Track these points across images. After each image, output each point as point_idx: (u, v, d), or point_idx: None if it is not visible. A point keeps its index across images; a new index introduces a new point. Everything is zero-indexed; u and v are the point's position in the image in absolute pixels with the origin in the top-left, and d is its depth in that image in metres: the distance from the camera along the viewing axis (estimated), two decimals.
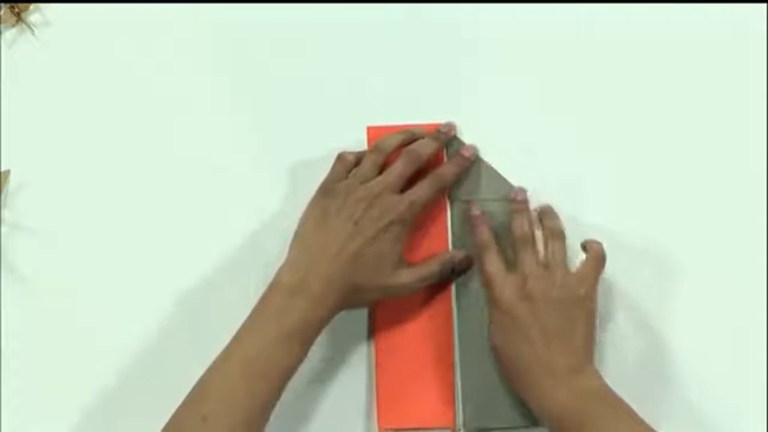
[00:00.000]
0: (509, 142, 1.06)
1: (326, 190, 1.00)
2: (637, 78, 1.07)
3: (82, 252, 1.06)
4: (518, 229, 1.01)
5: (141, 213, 1.07)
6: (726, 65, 1.07)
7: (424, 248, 1.04)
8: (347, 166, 1.01)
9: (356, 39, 1.09)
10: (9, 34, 1.10)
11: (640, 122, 1.06)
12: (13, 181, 1.07)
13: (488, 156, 1.06)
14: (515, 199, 1.03)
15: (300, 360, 0.96)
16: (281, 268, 0.98)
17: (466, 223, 1.04)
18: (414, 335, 1.04)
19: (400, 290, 1.00)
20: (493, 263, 1.00)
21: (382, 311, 1.04)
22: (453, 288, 1.04)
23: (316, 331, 0.97)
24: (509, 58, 1.08)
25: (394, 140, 1.03)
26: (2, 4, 1.09)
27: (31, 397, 1.04)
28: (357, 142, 1.06)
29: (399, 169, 1.00)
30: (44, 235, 1.07)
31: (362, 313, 1.05)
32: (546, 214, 1.03)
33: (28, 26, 1.09)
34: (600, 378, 0.96)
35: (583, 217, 1.04)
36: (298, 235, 0.99)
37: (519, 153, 1.06)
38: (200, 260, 1.06)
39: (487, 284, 1.00)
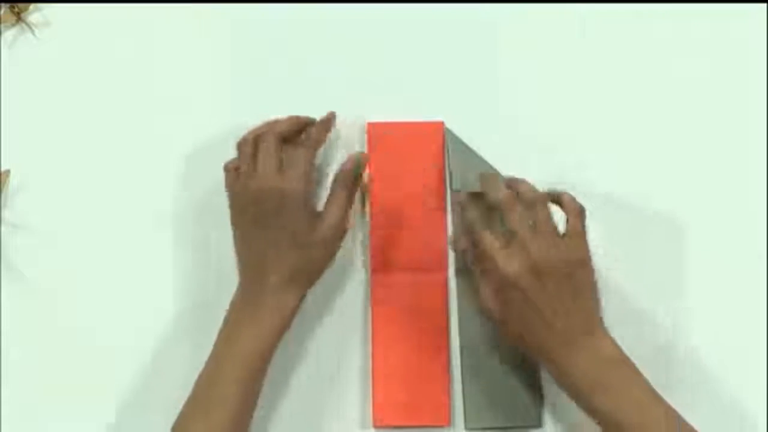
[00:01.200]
0: (509, 141, 1.06)
1: (230, 203, 1.01)
2: (637, 78, 1.07)
3: (82, 252, 1.06)
4: (495, 193, 0.99)
5: (141, 213, 1.07)
6: (726, 65, 1.07)
7: (422, 247, 1.05)
8: (234, 170, 1.01)
9: (356, 38, 1.09)
10: (9, 34, 1.10)
11: (640, 121, 1.06)
12: (13, 181, 1.07)
13: (487, 154, 1.06)
14: (483, 175, 1.02)
15: (265, 374, 0.98)
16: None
17: (456, 212, 1.04)
18: (410, 333, 1.04)
19: (334, 240, 1.00)
20: (490, 240, 0.98)
21: (379, 309, 1.04)
22: (453, 286, 1.05)
23: (283, 333, 0.98)
24: (508, 57, 1.08)
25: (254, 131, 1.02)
26: (2, 4, 1.09)
27: (31, 397, 1.04)
28: (358, 139, 1.06)
29: (263, 148, 0.99)
30: (44, 235, 1.07)
31: (359, 311, 1.05)
32: (517, 183, 1.00)
33: (28, 26, 1.09)
34: (614, 342, 0.96)
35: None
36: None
37: (518, 151, 1.06)
38: (201, 260, 1.06)
39: (488, 262, 0.97)
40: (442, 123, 1.06)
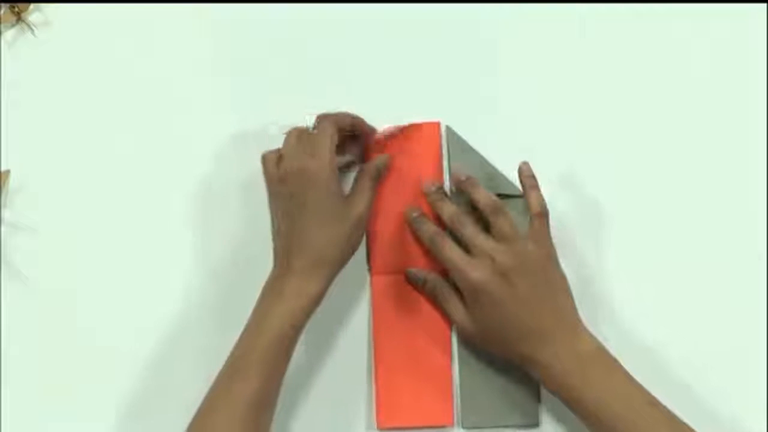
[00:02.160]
0: (509, 141, 1.06)
1: (270, 197, 1.01)
2: (637, 78, 1.07)
3: (82, 252, 1.06)
4: (446, 213, 1.01)
5: (142, 213, 1.07)
6: (726, 65, 1.07)
7: (422, 248, 1.04)
8: (273, 160, 1.01)
9: (356, 38, 1.09)
10: (9, 34, 1.10)
11: (639, 122, 1.06)
12: (13, 181, 1.07)
13: (487, 154, 1.06)
14: (428, 193, 1.03)
15: (290, 354, 0.97)
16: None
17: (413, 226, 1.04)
18: (412, 334, 1.04)
19: (359, 226, 1.00)
20: (452, 249, 0.99)
21: (381, 311, 1.04)
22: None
23: (308, 316, 0.98)
24: (508, 57, 1.08)
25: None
26: (2, 4, 1.09)
27: (31, 397, 1.04)
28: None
29: (294, 135, 1.00)
30: (44, 235, 1.07)
31: (361, 313, 1.05)
32: (472, 190, 1.01)
33: (28, 26, 1.09)
34: (592, 335, 0.98)
35: (581, 219, 1.05)
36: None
37: (518, 151, 1.05)
38: (201, 260, 1.06)
39: (455, 272, 0.99)
40: (438, 123, 1.06)
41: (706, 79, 1.06)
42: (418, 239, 1.04)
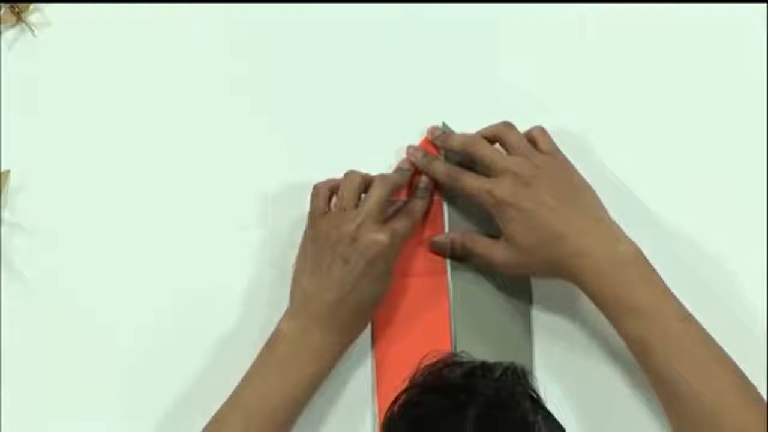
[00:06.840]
0: None
1: (311, 233, 0.99)
2: (637, 78, 1.07)
3: (82, 252, 1.06)
4: (453, 142, 1.02)
5: (142, 213, 1.07)
6: (726, 65, 1.07)
7: (421, 252, 1.05)
8: (325, 195, 1.00)
9: (356, 38, 1.09)
10: (9, 34, 1.10)
11: (639, 122, 1.06)
12: (13, 181, 1.07)
13: None
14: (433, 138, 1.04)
15: (305, 405, 0.97)
16: (283, 317, 0.98)
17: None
18: (413, 333, 1.04)
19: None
20: (471, 177, 1.00)
21: (381, 310, 1.04)
22: (450, 285, 1.04)
23: (323, 376, 0.98)
24: (508, 57, 1.08)
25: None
26: (2, 4, 1.09)
27: (31, 397, 1.04)
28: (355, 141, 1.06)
29: (375, 194, 0.99)
30: (44, 235, 1.07)
31: None
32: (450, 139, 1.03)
33: (28, 26, 1.09)
34: (632, 241, 0.97)
35: None
36: (294, 280, 1.00)
37: None
38: (202, 262, 1.06)
39: (481, 196, 0.99)
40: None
41: (706, 79, 1.07)
42: (416, 244, 1.04)
